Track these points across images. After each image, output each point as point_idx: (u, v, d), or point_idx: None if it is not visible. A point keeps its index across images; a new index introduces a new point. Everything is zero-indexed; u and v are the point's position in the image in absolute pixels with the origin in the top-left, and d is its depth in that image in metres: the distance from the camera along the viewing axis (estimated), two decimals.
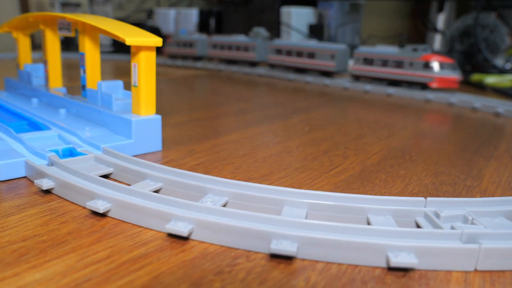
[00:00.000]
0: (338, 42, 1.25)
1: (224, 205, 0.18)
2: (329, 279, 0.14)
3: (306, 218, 0.18)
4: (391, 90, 0.59)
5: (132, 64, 0.27)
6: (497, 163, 0.29)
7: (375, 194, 0.22)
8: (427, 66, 0.56)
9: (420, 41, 1.21)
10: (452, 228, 0.16)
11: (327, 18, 1.26)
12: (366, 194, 0.22)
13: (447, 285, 0.14)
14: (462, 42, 0.94)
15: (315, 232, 0.15)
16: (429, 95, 0.57)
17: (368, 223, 0.17)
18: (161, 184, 0.20)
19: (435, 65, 0.56)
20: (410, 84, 0.59)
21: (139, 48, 0.26)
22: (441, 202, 0.18)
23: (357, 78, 0.65)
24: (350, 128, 0.37)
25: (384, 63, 0.59)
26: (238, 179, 0.23)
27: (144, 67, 0.26)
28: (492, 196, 0.23)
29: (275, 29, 1.21)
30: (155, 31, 1.27)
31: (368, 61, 0.61)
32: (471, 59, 0.94)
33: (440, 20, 1.15)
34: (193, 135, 0.32)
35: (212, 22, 1.39)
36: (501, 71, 0.85)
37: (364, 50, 0.64)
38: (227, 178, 0.22)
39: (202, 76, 0.72)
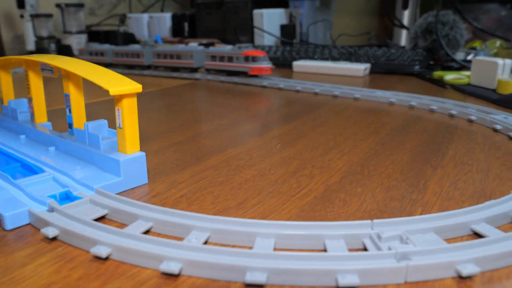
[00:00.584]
0: (310, 41, 1.29)
1: (207, 240, 0.22)
2: None
3: (274, 247, 0.22)
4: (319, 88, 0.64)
5: (116, 108, 0.30)
6: (441, 172, 0.33)
7: (334, 215, 0.26)
8: (246, 59, 0.78)
9: (388, 37, 1.26)
10: (389, 248, 0.20)
11: (299, 18, 1.30)
12: (327, 215, 0.26)
13: None
14: (425, 39, 0.99)
15: (280, 261, 0.19)
16: (392, 98, 0.61)
17: (325, 248, 0.21)
18: (151, 224, 0.23)
19: (251, 58, 0.77)
20: (240, 73, 0.80)
21: (122, 96, 0.29)
22: (384, 223, 0.23)
23: (208, 71, 0.85)
24: (317, 143, 0.41)
25: (222, 58, 0.81)
26: (218, 210, 0.27)
27: (127, 111, 0.30)
28: (432, 208, 0.27)
29: (248, 32, 1.24)
30: (130, 36, 1.28)
31: (213, 57, 0.83)
32: (434, 55, 0.99)
33: (406, 17, 1.20)
34: (175, 162, 0.36)
35: (186, 26, 1.40)
36: (462, 66, 0.90)
37: (210, 49, 0.84)
38: (208, 212, 0.25)
39: (171, 88, 0.75)
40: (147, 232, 0.23)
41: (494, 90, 0.68)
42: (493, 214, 0.24)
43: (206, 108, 0.58)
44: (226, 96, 0.67)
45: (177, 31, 1.37)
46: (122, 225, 0.25)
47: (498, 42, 1.07)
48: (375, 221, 0.23)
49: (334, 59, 0.99)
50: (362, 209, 0.27)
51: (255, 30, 1.22)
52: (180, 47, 0.91)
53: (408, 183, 0.31)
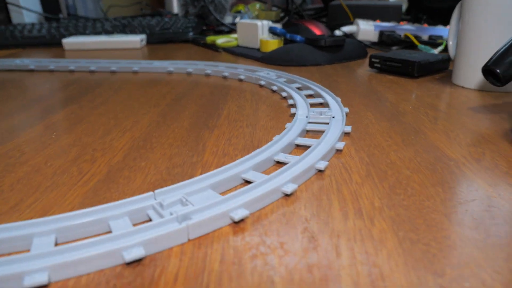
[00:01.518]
0: (79, 15, 1.20)
1: None
2: None
3: (56, 243, 0.21)
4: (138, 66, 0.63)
5: None
6: (218, 132, 0.37)
7: (119, 194, 0.26)
8: None
9: (160, 6, 1.26)
10: (171, 214, 0.22)
11: None
12: (112, 196, 0.26)
13: (169, 258, 0.19)
14: (195, 6, 1.03)
15: (62, 256, 0.19)
16: (170, 67, 0.63)
17: (110, 230, 0.22)
18: None
19: None
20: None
21: None
22: (165, 191, 0.24)
23: None
24: (98, 124, 0.40)
25: None
26: None
27: None
28: (210, 166, 0.30)
29: (2, 9, 1.08)
30: None
31: None
32: (205, 20, 1.04)
33: None
34: None
35: None
36: (231, 29, 0.98)
37: None
38: None
39: None
40: None
41: (258, 49, 0.76)
42: (259, 161, 0.28)
43: None
44: None
45: None
46: None
47: (257, 5, 1.19)
48: (157, 191, 0.24)
49: (108, 32, 0.95)
50: (146, 182, 0.28)
51: (10, 7, 1.07)
52: None
53: (188, 148, 0.33)
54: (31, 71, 0.69)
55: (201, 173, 0.29)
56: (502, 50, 0.38)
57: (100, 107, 0.46)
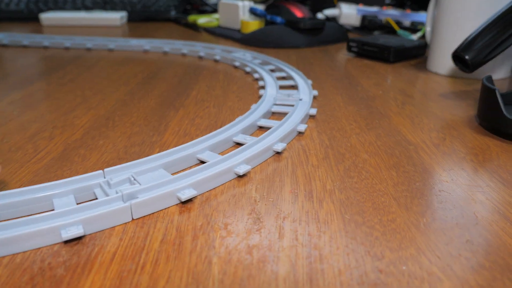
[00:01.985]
0: None
1: None
2: (13, 269, 0.17)
3: None
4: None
5: None
6: (183, 112, 0.36)
7: (71, 172, 0.26)
8: None
9: None
10: (117, 192, 0.21)
11: None
12: (63, 174, 0.25)
13: (109, 237, 0.19)
14: None
15: None
16: (146, 46, 0.62)
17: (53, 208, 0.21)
18: None
19: None
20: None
21: None
22: (115, 170, 0.23)
23: None
24: (63, 101, 0.39)
25: None
26: None
27: None
28: (168, 146, 0.29)
29: None
30: None
31: None
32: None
33: None
34: None
35: None
36: (214, 9, 0.96)
37: None
38: None
39: None
40: None
41: (239, 31, 0.75)
42: (217, 141, 0.27)
43: None
44: None
45: None
46: None
47: None
48: (106, 169, 0.23)
49: (88, 8, 0.93)
50: (101, 161, 0.27)
51: None
52: None
53: (150, 127, 0.33)
54: (4, 46, 0.67)
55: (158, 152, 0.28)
56: (471, 36, 0.37)
57: (69, 84, 0.45)
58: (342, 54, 0.60)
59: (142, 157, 0.28)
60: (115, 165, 0.27)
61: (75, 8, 0.92)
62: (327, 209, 0.21)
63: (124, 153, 0.28)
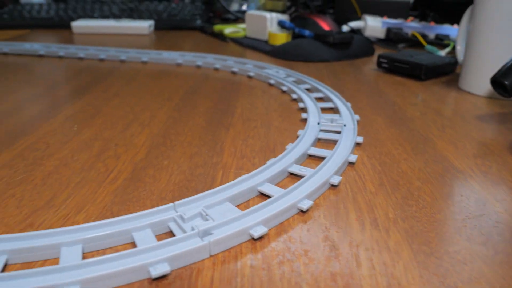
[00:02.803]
0: None
1: (6, 264, 0.21)
2: None
3: (83, 252, 0.22)
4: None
5: None
6: (233, 132, 0.38)
7: (147, 194, 0.28)
8: None
9: None
10: (192, 228, 0.23)
11: None
12: (140, 195, 0.27)
13: (193, 273, 0.21)
14: None
15: (92, 268, 0.19)
16: (179, 59, 0.64)
17: (133, 241, 0.23)
18: None
19: None
20: None
21: None
22: (185, 203, 0.25)
23: None
24: (115, 117, 0.41)
25: None
26: (26, 214, 0.25)
27: None
28: (230, 168, 0.31)
29: None
30: None
31: None
32: (212, 7, 1.04)
33: None
34: None
35: None
36: (237, 18, 0.98)
37: None
38: (15, 219, 0.24)
39: None
40: None
41: (266, 42, 0.77)
42: (274, 173, 0.29)
43: None
44: None
45: None
46: None
47: None
48: (177, 202, 0.25)
49: (115, 16, 0.95)
50: (171, 182, 0.29)
51: None
52: None
53: (207, 147, 0.35)
54: (41, 56, 0.69)
55: (222, 175, 0.30)
56: (511, 62, 0.39)
57: (115, 98, 0.47)
58: (371, 69, 0.62)
59: (208, 180, 0.29)
60: (185, 187, 0.28)
61: (103, 16, 0.94)
62: (394, 239, 0.23)
63: (190, 174, 0.30)
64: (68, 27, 0.91)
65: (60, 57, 0.68)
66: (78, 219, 0.25)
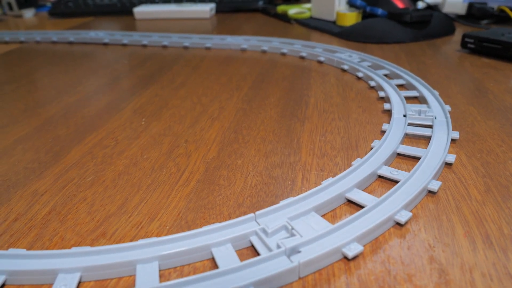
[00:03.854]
0: None
1: (80, 282, 0.19)
2: None
3: (159, 269, 0.20)
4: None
5: None
6: (309, 125, 0.35)
7: (222, 199, 0.25)
8: None
9: None
10: (278, 246, 0.20)
11: None
12: (215, 200, 0.25)
13: None
14: None
15: None
16: (243, 44, 0.61)
17: (213, 257, 0.21)
18: (4, 277, 0.19)
19: None
20: None
21: None
22: (266, 212, 0.22)
23: None
24: (184, 110, 0.39)
25: None
26: (98, 221, 0.24)
27: None
28: (310, 170, 0.28)
29: None
30: None
31: None
32: None
33: None
34: (28, 165, 0.31)
35: None
36: None
37: None
38: (87, 226, 0.23)
39: None
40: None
41: (334, 22, 0.73)
42: (362, 178, 0.26)
43: (46, 82, 0.51)
44: (65, 61, 0.60)
45: None
46: None
47: None
48: (258, 212, 0.22)
49: (177, 1, 0.94)
50: (248, 185, 0.27)
51: None
52: None
53: (282, 144, 0.32)
54: (105, 44, 0.69)
55: (302, 177, 0.27)
56: None
57: (181, 88, 0.46)
58: (454, 51, 0.56)
59: (287, 182, 0.27)
60: (263, 190, 0.26)
61: (164, 0, 0.93)
62: None
63: (267, 176, 0.28)
64: (130, 13, 0.91)
65: (124, 45, 0.68)
66: (151, 228, 0.23)
